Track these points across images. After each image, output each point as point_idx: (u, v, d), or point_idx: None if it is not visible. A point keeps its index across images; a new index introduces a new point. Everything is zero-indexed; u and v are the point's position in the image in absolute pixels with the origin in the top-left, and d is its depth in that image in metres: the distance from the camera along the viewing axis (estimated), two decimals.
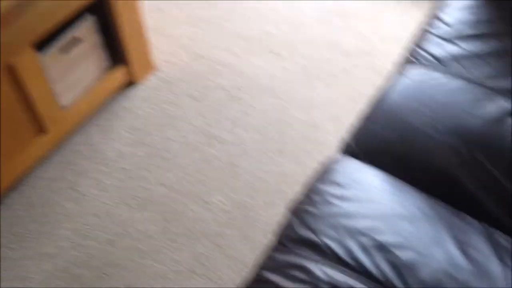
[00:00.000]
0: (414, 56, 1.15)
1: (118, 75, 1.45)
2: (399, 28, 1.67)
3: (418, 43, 1.17)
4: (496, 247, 0.82)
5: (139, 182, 1.32)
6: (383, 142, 1.01)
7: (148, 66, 1.53)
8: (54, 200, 1.28)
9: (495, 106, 1.00)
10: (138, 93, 1.51)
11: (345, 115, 1.45)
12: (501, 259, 0.81)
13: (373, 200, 0.89)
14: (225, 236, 1.23)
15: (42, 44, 1.18)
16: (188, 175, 1.34)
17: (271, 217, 1.24)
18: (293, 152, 1.39)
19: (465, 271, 0.78)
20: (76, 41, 1.26)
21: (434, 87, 1.05)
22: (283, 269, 0.83)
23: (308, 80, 1.56)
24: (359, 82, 1.55)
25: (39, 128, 1.26)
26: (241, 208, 1.28)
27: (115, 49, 1.41)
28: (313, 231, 0.87)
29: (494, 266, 0.79)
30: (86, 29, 1.28)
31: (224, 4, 1.75)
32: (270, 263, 0.85)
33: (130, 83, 1.51)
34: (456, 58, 1.10)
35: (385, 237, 0.82)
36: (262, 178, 1.34)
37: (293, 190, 1.27)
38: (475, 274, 0.77)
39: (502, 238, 0.85)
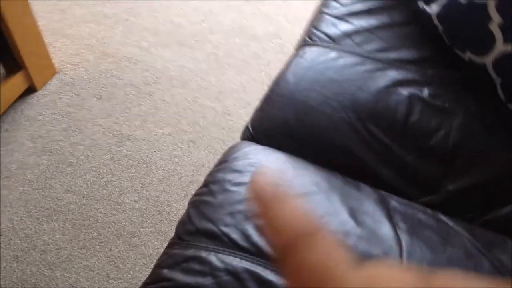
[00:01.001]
0: (310, 36, 1.15)
1: (16, 81, 1.39)
2: (307, 10, 1.68)
3: (313, 24, 1.17)
4: (387, 210, 0.84)
5: (45, 192, 1.28)
6: (281, 123, 1.01)
7: (49, 70, 1.47)
8: None
9: (386, 77, 1.02)
10: (39, 99, 1.45)
11: (256, 100, 1.44)
12: (391, 220, 0.82)
13: None
14: (140, 235, 1.21)
15: None
16: (97, 179, 1.30)
17: None
18: (207, 142, 1.37)
19: (355, 236, 0.79)
20: None
21: (328, 65, 1.06)
22: (181, 263, 0.81)
23: (219, 69, 1.54)
24: (270, 66, 1.55)
25: None
26: (155, 205, 1.25)
27: (9, 55, 1.35)
28: (211, 221, 0.86)
29: (384, 228, 0.81)
30: None
31: None
32: (167, 259, 0.83)
33: (30, 89, 1.45)
34: (348, 35, 1.12)
35: None
36: (175, 171, 1.32)
37: None
38: (365, 238, 0.79)
39: (394, 201, 0.86)
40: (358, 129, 0.96)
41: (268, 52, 1.59)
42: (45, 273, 1.13)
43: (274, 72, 1.50)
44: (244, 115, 1.43)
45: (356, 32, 1.12)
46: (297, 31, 1.63)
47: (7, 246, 1.18)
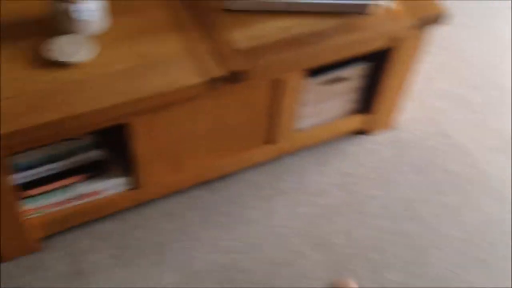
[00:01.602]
0: None
1: (358, 120, 1.49)
2: None
3: None
4: None
5: (326, 224, 1.35)
6: None
7: (388, 123, 1.54)
8: (245, 201, 1.38)
9: None
10: (365, 143, 1.54)
11: None
12: None
13: None
14: None
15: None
16: (370, 238, 1.32)
17: None
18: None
19: None
20: (341, 79, 1.33)
21: None
22: None
23: None
24: None
25: (270, 137, 1.37)
26: None
27: (369, 96, 1.46)
28: None
29: None
30: (355, 72, 1.34)
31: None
32: None
33: (363, 131, 1.54)
34: None
35: None
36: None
37: None
38: None
39: None
40: None
41: None
42: None
43: None
44: None
45: None
46: None
47: (267, 250, 1.28)
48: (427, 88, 1.67)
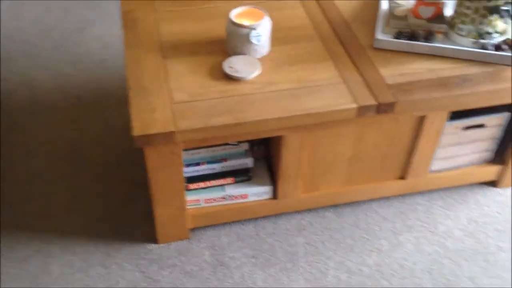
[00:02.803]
0: None
1: (491, 171, 1.48)
2: None
3: None
4: None
5: (452, 266, 1.34)
6: None
7: None
8: (371, 230, 1.42)
9: None
10: (495, 195, 1.51)
11: None
12: None
13: None
14: None
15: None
16: None
17: None
18: None
19: None
20: (480, 126, 1.35)
21: None
22: None
23: None
24: None
25: (403, 174, 1.41)
26: None
27: (504, 147, 1.45)
28: None
29: None
30: (495, 121, 1.35)
31: None
32: None
33: (494, 182, 1.52)
34: None
35: None
36: None
37: None
38: None
39: None
40: None
41: None
42: None
43: None
44: None
45: None
46: None
47: (379, 276, 1.30)
48: None
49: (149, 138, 1.08)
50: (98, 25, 2.15)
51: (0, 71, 1.89)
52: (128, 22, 1.37)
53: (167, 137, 1.09)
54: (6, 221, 1.42)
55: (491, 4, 1.19)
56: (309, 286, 1.29)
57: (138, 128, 1.07)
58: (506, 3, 1.16)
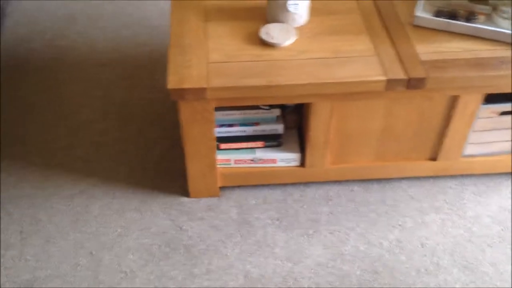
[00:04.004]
0: None
1: None
2: None
3: None
4: None
5: (475, 251, 1.31)
6: None
7: None
8: (398, 208, 1.40)
9: None
10: None
11: None
12: None
13: None
14: None
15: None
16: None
17: None
18: None
19: None
20: None
21: None
22: None
23: None
24: None
25: (435, 155, 1.39)
26: None
27: None
28: None
29: None
30: None
31: None
32: None
33: None
34: None
35: None
36: None
37: None
38: None
39: None
40: None
41: None
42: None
43: None
44: None
45: None
46: None
47: (363, 258, 1.29)
48: None
49: (182, 92, 1.13)
50: None
51: (62, 29, 2.01)
52: None
53: (199, 93, 1.13)
54: (57, 163, 1.53)
55: None
56: (326, 253, 1.31)
57: (173, 82, 1.13)
58: None
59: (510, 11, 1.21)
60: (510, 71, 1.15)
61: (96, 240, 1.34)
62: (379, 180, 1.48)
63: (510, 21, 1.21)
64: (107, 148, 1.57)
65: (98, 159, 1.54)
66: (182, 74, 1.15)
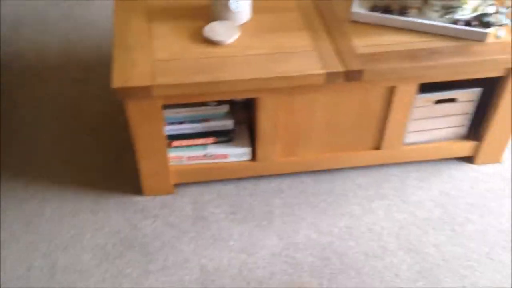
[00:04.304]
0: None
1: (465, 147, 1.50)
2: None
3: None
4: None
5: (419, 233, 1.38)
6: None
7: (496, 155, 1.52)
8: (347, 197, 1.46)
9: None
10: (469, 170, 1.53)
11: None
12: None
13: None
14: None
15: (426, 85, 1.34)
16: (461, 256, 1.32)
17: None
18: None
19: None
20: (451, 100, 1.38)
21: None
22: None
23: None
24: None
25: (378, 144, 1.45)
26: None
27: (478, 124, 1.47)
28: None
29: None
30: (466, 96, 1.38)
31: None
32: None
33: (469, 159, 1.54)
34: None
35: None
36: None
37: None
38: None
39: None
40: None
41: None
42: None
43: None
44: None
45: None
46: None
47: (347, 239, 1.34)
48: None
49: (128, 91, 1.14)
50: None
51: (11, 35, 1.98)
52: None
53: (145, 91, 1.15)
54: (8, 166, 1.51)
55: None
56: (280, 242, 1.35)
57: (118, 81, 1.14)
58: None
59: (439, 4, 1.28)
60: (440, 61, 1.22)
61: (49, 242, 1.33)
62: (328, 171, 1.53)
63: (439, 14, 1.28)
64: (59, 150, 1.57)
65: (49, 161, 1.53)
66: (127, 73, 1.17)
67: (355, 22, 1.33)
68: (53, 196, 1.44)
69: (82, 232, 1.36)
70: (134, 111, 1.20)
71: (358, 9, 1.33)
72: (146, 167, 1.34)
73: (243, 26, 1.31)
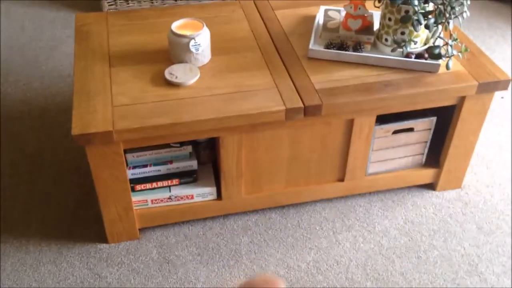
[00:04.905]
0: None
1: (426, 174, 1.53)
2: None
3: None
4: None
5: (385, 262, 1.38)
6: None
7: (456, 181, 1.55)
8: (313, 230, 1.46)
9: None
10: (431, 197, 1.56)
11: None
12: None
13: None
14: None
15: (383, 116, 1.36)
16: (426, 283, 1.32)
17: None
18: None
19: None
20: (410, 130, 1.41)
21: None
22: None
23: None
24: None
25: (340, 176, 1.46)
26: None
27: (437, 151, 1.50)
28: None
29: None
30: (423, 125, 1.41)
31: None
32: None
33: (431, 185, 1.57)
34: None
35: None
36: None
37: None
38: None
39: None
40: None
41: None
42: None
43: None
44: None
45: None
46: None
47: (325, 272, 1.33)
48: (498, 157, 1.66)
49: (88, 137, 1.12)
50: (69, 43, 2.21)
51: None
52: (81, 34, 1.43)
53: (106, 137, 1.13)
54: None
55: (402, 14, 1.26)
56: None
57: (77, 128, 1.12)
58: (415, 13, 1.23)
59: (390, 39, 1.32)
60: (395, 93, 1.25)
61: None
62: (295, 205, 1.52)
63: (392, 48, 1.32)
64: (18, 202, 1.50)
65: (9, 214, 1.47)
66: (87, 119, 1.14)
67: (312, 58, 1.35)
68: (14, 249, 1.37)
69: (43, 286, 1.29)
70: (95, 157, 1.17)
71: (315, 47, 1.35)
72: (109, 213, 1.30)
73: (204, 68, 1.32)
